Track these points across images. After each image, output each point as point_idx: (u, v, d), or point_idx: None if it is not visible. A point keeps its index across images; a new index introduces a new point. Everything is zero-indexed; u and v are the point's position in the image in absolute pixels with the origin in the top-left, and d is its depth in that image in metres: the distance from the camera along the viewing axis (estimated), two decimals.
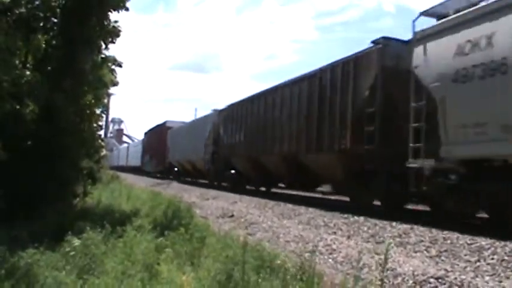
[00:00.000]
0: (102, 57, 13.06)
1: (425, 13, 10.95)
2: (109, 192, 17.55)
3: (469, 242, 7.81)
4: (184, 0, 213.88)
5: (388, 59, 12.05)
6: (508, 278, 6.07)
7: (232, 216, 13.42)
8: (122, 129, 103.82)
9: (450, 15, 10.01)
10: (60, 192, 11.80)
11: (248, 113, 20.86)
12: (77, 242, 6.81)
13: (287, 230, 10.51)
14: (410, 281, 6.15)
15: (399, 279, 6.28)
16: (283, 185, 19.15)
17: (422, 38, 10.47)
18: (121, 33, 12.32)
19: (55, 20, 12.01)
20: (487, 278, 6.10)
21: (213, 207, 15.90)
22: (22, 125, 10.52)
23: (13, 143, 9.55)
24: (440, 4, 10.51)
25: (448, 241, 8.03)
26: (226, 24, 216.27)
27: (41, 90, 10.67)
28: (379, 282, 5.37)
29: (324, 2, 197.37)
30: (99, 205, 13.16)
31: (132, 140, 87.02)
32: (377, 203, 12.82)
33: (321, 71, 15.07)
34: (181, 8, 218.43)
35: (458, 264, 6.79)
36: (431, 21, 10.80)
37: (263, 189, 20.94)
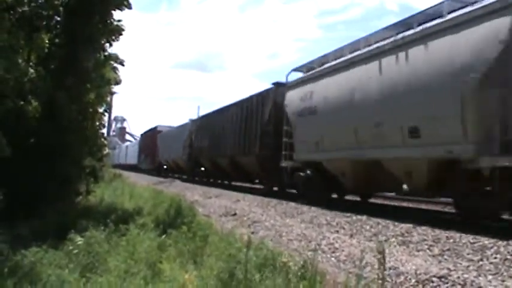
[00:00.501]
0: (105, 56, 13.08)
1: (295, 69, 17.11)
2: (111, 191, 17.58)
3: (471, 241, 7.80)
4: None
5: (278, 97, 17.97)
6: (511, 277, 6.06)
7: (235, 214, 13.42)
8: (124, 128, 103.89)
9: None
10: (63, 190, 11.83)
11: (210, 125, 27.35)
12: (80, 240, 6.83)
13: (290, 228, 10.51)
14: (413, 280, 6.15)
15: (402, 277, 6.28)
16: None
17: (289, 87, 16.82)
18: (124, 32, 12.34)
19: (58, 19, 12.03)
20: (489, 277, 6.09)
21: (215, 205, 15.91)
22: (24, 122, 10.54)
23: (15, 141, 9.56)
24: (305, 64, 16.42)
25: (451, 240, 8.02)
26: (229, 22, 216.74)
27: (44, 88, 10.69)
28: (381, 281, 5.38)
29: (326, 1, 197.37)
30: (102, 203, 13.19)
31: (135, 139, 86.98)
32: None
33: (247, 100, 21.83)
34: (184, 6, 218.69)
35: (461, 263, 6.78)
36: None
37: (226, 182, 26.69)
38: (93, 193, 14.70)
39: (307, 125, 14.75)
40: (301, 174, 15.58)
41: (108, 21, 12.11)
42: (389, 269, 6.35)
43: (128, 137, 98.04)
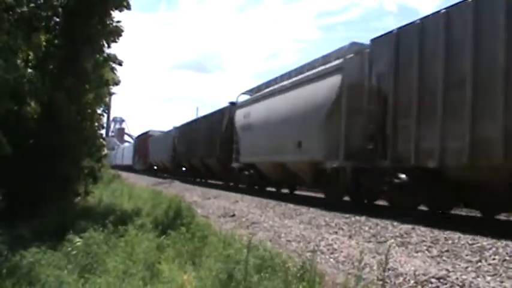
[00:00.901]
0: (103, 56, 13.07)
1: (243, 93, 23.08)
2: (110, 192, 17.58)
3: (470, 242, 7.80)
4: None
5: (232, 113, 23.02)
6: (509, 278, 6.06)
7: (233, 215, 13.42)
8: (123, 128, 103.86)
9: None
10: (62, 191, 11.82)
11: (187, 132, 33.17)
12: (78, 241, 6.83)
13: (288, 229, 10.50)
14: (412, 281, 6.15)
15: (400, 279, 6.28)
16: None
17: (237, 107, 22.20)
18: (123, 33, 12.34)
19: (57, 19, 12.02)
20: (488, 278, 6.09)
21: (214, 206, 15.91)
22: (24, 123, 10.53)
23: (15, 141, 9.55)
24: (249, 89, 22.71)
25: (450, 241, 8.02)
26: (228, 23, 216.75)
27: (43, 88, 10.68)
28: (381, 282, 5.38)
29: (326, 1, 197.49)
30: (101, 204, 13.18)
31: (133, 140, 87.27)
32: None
33: (211, 114, 28.15)
34: (184, 7, 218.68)
35: (459, 264, 6.78)
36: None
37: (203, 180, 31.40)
38: (92, 194, 14.70)
39: (247, 136, 20.14)
40: (246, 172, 20.94)
41: (108, 22, 12.10)
42: (388, 270, 6.35)
43: (126, 137, 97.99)
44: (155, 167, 43.44)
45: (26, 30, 10.90)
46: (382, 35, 12.23)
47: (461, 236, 8.26)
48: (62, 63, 11.67)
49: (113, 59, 13.56)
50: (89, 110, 13.80)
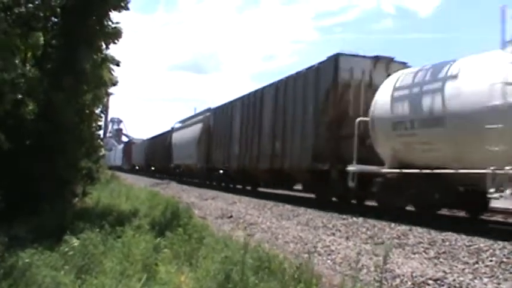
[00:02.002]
0: (101, 57, 13.05)
1: (178, 122, 39.51)
2: (108, 192, 17.53)
3: (467, 243, 7.82)
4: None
5: (171, 134, 37.95)
6: (506, 280, 6.08)
7: (231, 216, 13.42)
8: (121, 129, 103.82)
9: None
10: (59, 191, 11.79)
11: (152, 143, 48.80)
12: (75, 241, 6.81)
13: (286, 230, 10.51)
14: (409, 283, 6.16)
15: (397, 280, 6.29)
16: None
17: (174, 131, 37.89)
18: (122, 34, 12.31)
19: (55, 20, 12.00)
20: (485, 280, 6.10)
21: (212, 207, 15.91)
22: (21, 123, 10.51)
23: (12, 142, 9.52)
24: (181, 120, 39.13)
25: (447, 243, 8.03)
26: (226, 24, 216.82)
27: (41, 89, 10.66)
28: (378, 284, 5.38)
29: (323, 3, 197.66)
30: (98, 205, 13.14)
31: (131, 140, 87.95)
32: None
33: (163, 134, 42.72)
34: (182, 7, 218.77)
35: (456, 266, 6.79)
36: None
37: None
38: (90, 195, 14.66)
39: (175, 149, 36.23)
40: (177, 170, 35.95)
41: (106, 23, 12.08)
42: (385, 271, 6.35)
43: (124, 138, 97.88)
44: (137, 167, 57.22)
45: (24, 30, 10.88)
46: (216, 107, 28.43)
47: (458, 237, 8.27)
48: (60, 64, 11.63)
49: (111, 59, 13.53)
50: (87, 111, 13.77)
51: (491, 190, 8.94)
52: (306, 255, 6.79)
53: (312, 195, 16.48)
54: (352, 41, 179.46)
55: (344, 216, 11.46)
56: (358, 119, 12.92)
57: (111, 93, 17.72)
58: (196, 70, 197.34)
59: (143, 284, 5.47)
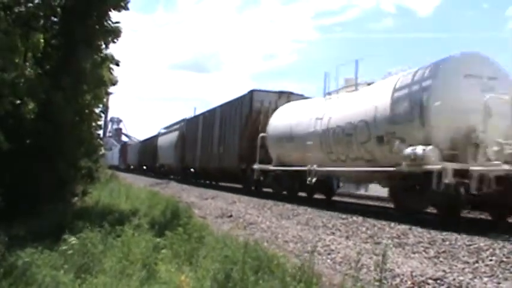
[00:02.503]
0: (101, 57, 13.05)
1: (163, 128, 46.26)
2: (108, 192, 17.53)
3: (467, 243, 7.81)
4: None
5: (158, 138, 45.08)
6: (506, 279, 6.07)
7: (231, 216, 13.41)
8: (120, 129, 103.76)
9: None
10: (59, 191, 11.80)
11: (143, 146, 53.65)
12: (74, 241, 6.80)
13: (286, 230, 10.50)
14: (409, 282, 6.15)
15: (397, 280, 6.28)
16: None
17: (159, 135, 44.74)
18: (122, 35, 12.32)
19: (55, 19, 12.00)
20: (485, 279, 6.10)
21: (211, 207, 15.90)
22: (21, 123, 10.51)
23: (12, 141, 9.52)
24: (166, 127, 45.62)
25: (447, 242, 8.03)
26: (226, 23, 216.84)
27: (40, 88, 10.66)
28: (378, 283, 5.38)
29: (323, 2, 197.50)
30: (98, 204, 13.15)
31: (131, 140, 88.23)
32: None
33: (151, 138, 50.42)
34: (182, 7, 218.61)
35: (456, 266, 6.79)
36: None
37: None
38: (89, 194, 14.67)
39: (161, 150, 42.01)
40: (162, 169, 41.17)
41: (105, 23, 12.08)
42: (385, 270, 6.35)
43: (124, 138, 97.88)
44: (131, 166, 60.83)
45: (24, 30, 10.87)
46: (188, 118, 36.11)
47: (458, 237, 8.27)
48: (59, 63, 11.65)
49: (111, 59, 13.53)
50: (87, 110, 13.78)
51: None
52: (306, 255, 6.78)
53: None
54: (352, 41, 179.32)
55: (344, 216, 11.46)
56: (260, 134, 19.13)
57: (110, 93, 17.74)
58: (197, 69, 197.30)
59: (143, 283, 5.47)
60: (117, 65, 13.87)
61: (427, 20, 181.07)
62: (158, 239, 7.67)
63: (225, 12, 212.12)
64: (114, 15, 12.12)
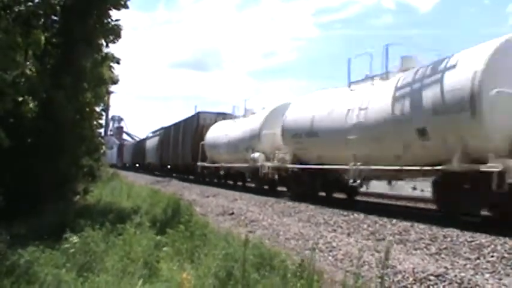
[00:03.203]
0: (101, 55, 13.05)
1: (151, 132, 58.47)
2: (109, 190, 17.55)
3: (469, 239, 7.81)
4: None
5: (146, 141, 54.54)
6: (508, 275, 6.07)
7: (232, 214, 13.41)
8: (121, 127, 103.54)
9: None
10: (60, 190, 11.81)
11: (136, 146, 61.33)
12: (76, 239, 6.81)
13: (287, 227, 10.50)
14: (411, 279, 6.15)
15: (399, 276, 6.28)
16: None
17: (147, 139, 54.42)
18: (122, 33, 12.32)
19: (55, 18, 12.00)
20: (487, 275, 6.10)
21: (213, 204, 15.90)
22: (22, 122, 10.52)
23: (13, 140, 9.53)
24: (154, 131, 55.73)
25: (448, 239, 8.03)
26: (226, 21, 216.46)
27: (41, 87, 10.67)
28: (379, 280, 5.38)
29: None
30: (100, 203, 13.16)
31: (132, 138, 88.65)
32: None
33: (140, 141, 62.36)
34: (182, 5, 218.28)
35: (458, 262, 6.79)
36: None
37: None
38: (91, 193, 14.69)
39: (149, 152, 48.50)
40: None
41: (105, 21, 12.08)
42: (387, 267, 6.35)
43: (125, 136, 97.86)
44: (127, 165, 65.65)
45: (25, 29, 10.87)
46: (165, 127, 43.02)
47: (460, 233, 8.26)
48: (60, 62, 11.65)
49: (111, 57, 13.53)
50: (88, 109, 13.79)
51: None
52: (308, 252, 6.78)
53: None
54: (352, 37, 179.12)
55: (345, 213, 11.45)
56: (201, 142, 27.37)
57: (111, 92, 17.75)
58: (197, 67, 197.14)
59: (145, 281, 5.47)
60: (118, 63, 13.87)
61: (427, 16, 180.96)
62: (160, 237, 7.67)
63: (225, 10, 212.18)
64: (114, 13, 12.13)
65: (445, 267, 6.46)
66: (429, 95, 10.43)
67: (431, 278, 6.07)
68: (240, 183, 23.39)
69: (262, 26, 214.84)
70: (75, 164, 12.89)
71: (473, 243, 7.60)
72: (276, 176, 18.36)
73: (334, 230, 9.88)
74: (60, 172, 11.53)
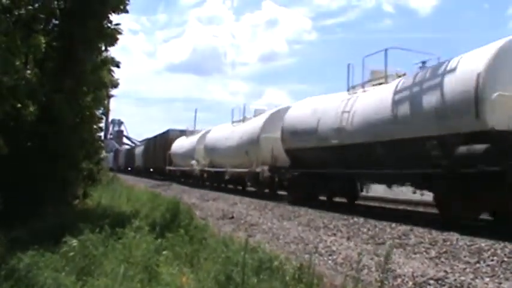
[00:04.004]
0: (101, 59, 13.04)
1: (140, 141, 73.91)
2: (109, 194, 17.53)
3: (468, 243, 7.82)
4: (184, 0, 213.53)
5: (136, 149, 64.99)
6: (507, 279, 6.07)
7: (232, 217, 13.42)
8: (121, 131, 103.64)
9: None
10: (60, 193, 11.80)
11: (128, 152, 70.39)
12: (75, 243, 6.80)
13: (287, 231, 10.51)
14: (410, 283, 6.16)
15: (399, 280, 6.28)
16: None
17: (137, 147, 65.14)
18: (121, 36, 12.32)
19: (55, 22, 12.01)
20: (486, 279, 6.10)
21: (213, 208, 15.91)
22: (22, 125, 10.51)
23: (13, 144, 9.52)
24: (141, 141, 70.36)
25: (448, 242, 8.03)
26: (226, 25, 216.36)
27: (41, 90, 10.67)
28: (379, 284, 5.38)
29: (323, 3, 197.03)
30: (99, 206, 13.15)
31: (132, 142, 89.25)
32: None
33: (131, 148, 75.65)
34: (181, 8, 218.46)
35: (457, 266, 6.79)
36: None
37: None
38: (91, 196, 14.67)
39: (139, 156, 55.54)
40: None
41: (105, 25, 12.08)
42: (387, 271, 6.35)
43: (125, 140, 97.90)
44: (121, 168, 70.15)
45: (25, 32, 10.87)
46: (147, 139, 56.13)
47: (459, 237, 8.27)
48: (60, 66, 11.64)
49: (111, 61, 13.53)
50: (88, 113, 13.76)
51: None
52: (307, 256, 6.78)
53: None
54: (352, 42, 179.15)
55: (345, 217, 11.47)
56: (168, 152, 37.57)
57: (112, 95, 17.71)
58: (197, 71, 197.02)
59: (144, 286, 5.47)
60: (118, 66, 13.84)
61: (426, 19, 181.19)
62: (159, 241, 7.67)
63: (224, 14, 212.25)
64: (114, 18, 12.13)
65: (445, 271, 6.47)
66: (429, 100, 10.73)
67: (431, 282, 6.07)
68: (190, 181, 32.32)
69: (262, 30, 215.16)
70: (74, 168, 12.86)
71: (472, 247, 7.60)
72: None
73: (334, 234, 9.89)
74: (60, 176, 11.51)
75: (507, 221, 9.62)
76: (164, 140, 41.36)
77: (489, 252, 7.22)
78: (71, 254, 6.51)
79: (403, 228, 9.55)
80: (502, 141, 9.11)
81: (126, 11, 12.08)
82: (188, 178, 32.80)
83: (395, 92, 11.99)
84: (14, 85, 9.75)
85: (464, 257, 7.20)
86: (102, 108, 15.84)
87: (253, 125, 21.46)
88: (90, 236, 7.15)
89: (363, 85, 14.35)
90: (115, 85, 15.30)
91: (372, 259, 7.27)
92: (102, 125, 17.51)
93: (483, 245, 7.61)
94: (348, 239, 9.36)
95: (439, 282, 6.03)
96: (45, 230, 8.61)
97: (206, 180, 28.94)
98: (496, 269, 6.50)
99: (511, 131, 9.28)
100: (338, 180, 14.83)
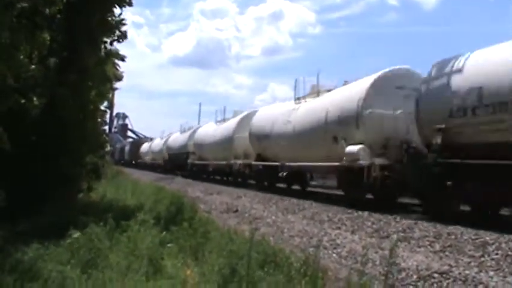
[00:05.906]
0: (105, 52, 13.02)
1: (129, 140, 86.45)
2: (114, 187, 17.57)
3: (473, 237, 7.80)
4: None
5: (139, 144, 71.57)
6: None
7: (236, 211, 13.43)
8: (126, 124, 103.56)
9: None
10: (65, 187, 11.81)
11: (121, 148, 79.04)
12: (80, 236, 6.82)
13: (291, 225, 10.51)
14: (415, 276, 6.15)
15: (403, 274, 6.28)
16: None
17: (141, 142, 69.80)
18: (128, 33, 12.34)
19: (59, 16, 11.99)
20: (491, 273, 6.09)
21: (217, 202, 15.92)
22: (26, 120, 10.52)
23: (17, 138, 9.53)
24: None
25: (452, 236, 8.02)
26: (230, 18, 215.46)
27: (45, 85, 10.67)
28: (384, 277, 5.37)
29: None
30: (104, 200, 13.18)
31: (137, 135, 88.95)
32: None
33: (134, 141, 78.68)
34: (186, 1, 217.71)
35: (462, 259, 6.78)
36: None
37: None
38: (95, 190, 14.70)
39: (144, 154, 60.30)
40: (132, 162, 64.96)
41: (109, 19, 12.06)
42: (391, 265, 6.35)
43: (129, 133, 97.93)
44: (122, 161, 75.39)
45: (29, 27, 10.86)
46: (133, 140, 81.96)
47: (464, 231, 8.25)
48: (64, 60, 11.64)
49: (115, 54, 13.51)
50: (92, 107, 13.78)
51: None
52: (312, 249, 6.78)
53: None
54: (357, 35, 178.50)
55: (349, 210, 11.46)
56: (138, 151, 61.56)
57: (116, 88, 17.71)
58: (201, 64, 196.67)
59: (149, 278, 5.48)
60: (123, 60, 13.84)
61: (430, 13, 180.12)
62: (164, 234, 7.68)
63: (229, 6, 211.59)
64: (117, 11, 12.11)
65: (449, 265, 6.45)
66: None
67: (436, 275, 6.06)
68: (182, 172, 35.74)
69: (266, 23, 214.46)
70: (79, 162, 12.88)
71: (477, 240, 7.59)
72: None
73: (339, 228, 9.88)
74: (64, 170, 11.53)
75: None
76: (137, 143, 68.59)
77: (494, 246, 7.20)
78: (76, 246, 6.53)
79: (408, 221, 9.54)
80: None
81: (131, 4, 12.06)
82: (181, 170, 36.31)
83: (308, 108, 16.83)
84: (18, 79, 9.75)
85: (469, 250, 7.19)
86: (106, 102, 15.85)
87: (229, 126, 26.10)
88: (95, 229, 7.16)
89: (304, 97, 18.74)
90: (119, 78, 15.29)
91: (376, 252, 7.26)
92: (107, 118, 17.52)
93: (488, 238, 7.59)
94: (353, 232, 9.35)
95: (444, 275, 6.01)
96: (49, 224, 8.63)
97: (195, 172, 32.60)
98: (501, 262, 6.49)
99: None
100: (292, 172, 18.89)
